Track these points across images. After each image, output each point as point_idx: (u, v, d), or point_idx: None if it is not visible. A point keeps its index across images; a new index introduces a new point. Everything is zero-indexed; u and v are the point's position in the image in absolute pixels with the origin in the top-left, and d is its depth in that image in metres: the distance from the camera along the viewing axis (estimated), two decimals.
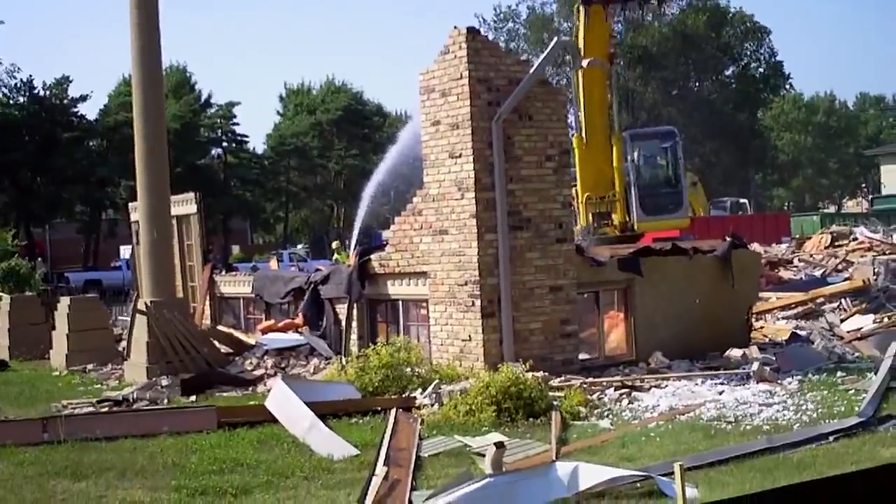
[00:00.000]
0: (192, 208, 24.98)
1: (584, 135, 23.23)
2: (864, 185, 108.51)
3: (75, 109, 68.10)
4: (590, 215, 23.01)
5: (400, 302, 19.66)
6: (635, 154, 23.53)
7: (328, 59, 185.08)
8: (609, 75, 23.74)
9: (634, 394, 15.94)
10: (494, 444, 10.74)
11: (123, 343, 23.11)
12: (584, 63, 22.17)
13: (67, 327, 23.51)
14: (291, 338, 21.64)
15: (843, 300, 23.26)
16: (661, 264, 19.58)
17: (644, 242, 23.07)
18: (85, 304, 24.73)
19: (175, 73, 79.31)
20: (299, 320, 21.82)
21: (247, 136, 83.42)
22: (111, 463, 12.65)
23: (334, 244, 46.65)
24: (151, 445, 13.61)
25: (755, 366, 16.84)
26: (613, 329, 19.51)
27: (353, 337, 20.48)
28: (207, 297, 25.17)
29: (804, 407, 14.22)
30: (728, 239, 20.51)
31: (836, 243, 31.41)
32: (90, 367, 22.60)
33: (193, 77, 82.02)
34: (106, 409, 17.03)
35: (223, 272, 25.94)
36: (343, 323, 20.81)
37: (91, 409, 17.06)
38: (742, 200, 63.86)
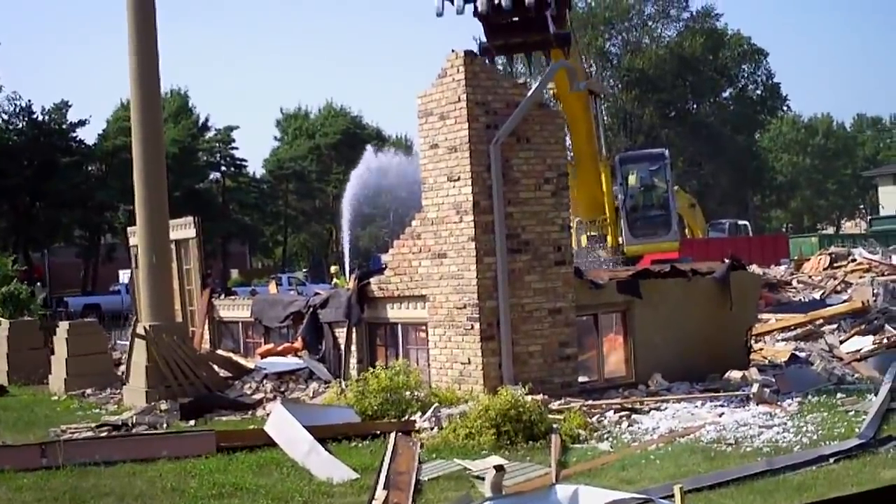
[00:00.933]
0: (190, 232, 25.00)
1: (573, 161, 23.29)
2: (862, 206, 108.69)
3: (74, 134, 68.23)
4: (583, 238, 23.08)
5: (399, 325, 19.65)
6: (625, 178, 23.51)
7: (326, 83, 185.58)
8: (590, 105, 23.64)
9: (634, 416, 15.92)
10: (494, 467, 10.71)
11: (122, 367, 23.08)
12: (570, 89, 22.09)
13: (66, 352, 23.48)
14: (290, 362, 21.61)
15: (842, 321, 23.29)
16: (660, 286, 19.57)
17: (643, 265, 23.08)
18: (84, 329, 24.69)
19: (176, 97, 79.48)
20: (298, 344, 21.79)
21: (245, 161, 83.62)
22: (110, 488, 12.62)
23: (333, 268, 46.73)
24: (150, 470, 13.57)
25: (755, 388, 16.82)
26: (612, 351, 19.50)
27: (353, 361, 20.46)
28: (206, 322, 25.17)
29: (804, 429, 14.21)
30: (727, 261, 20.51)
31: (835, 265, 31.47)
32: (89, 391, 22.57)
33: (191, 101, 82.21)
34: (105, 433, 16.97)
35: (222, 296, 25.94)
36: (342, 347, 20.80)
37: (90, 433, 17.00)
38: (742, 222, 63.87)
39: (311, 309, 21.72)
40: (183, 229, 24.96)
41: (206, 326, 25.17)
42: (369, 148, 58.58)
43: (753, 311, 21.70)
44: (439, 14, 19.75)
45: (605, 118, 66.12)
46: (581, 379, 18.25)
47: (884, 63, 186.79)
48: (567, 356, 17.93)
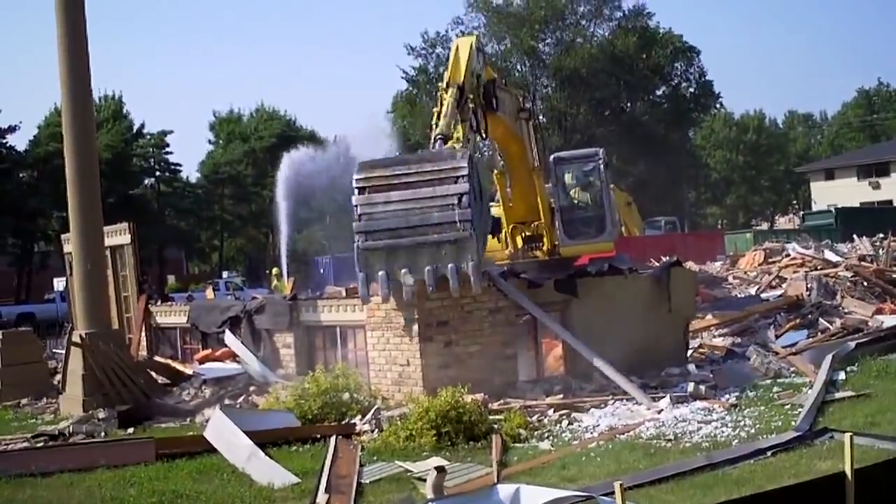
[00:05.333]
0: (125, 239, 24.75)
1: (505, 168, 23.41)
2: (795, 202, 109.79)
3: (4, 140, 67.21)
4: (518, 239, 23.11)
5: (338, 328, 19.60)
6: (558, 178, 23.54)
7: (258, 86, 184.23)
8: (521, 130, 23.70)
9: (574, 414, 15.98)
10: (435, 468, 10.71)
11: (58, 376, 22.80)
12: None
13: (0, 362, 23.16)
14: (229, 367, 21.51)
15: (777, 316, 23.52)
16: (598, 285, 19.68)
17: (580, 264, 23.16)
18: (18, 338, 24.40)
19: (110, 103, 78.70)
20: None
21: (180, 165, 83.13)
22: (47, 499, 12.49)
23: (274, 271, 46.45)
24: (89, 480, 13.44)
25: (691, 385, 16.96)
26: (552, 350, 19.58)
27: (292, 365, 20.38)
28: (143, 328, 24.95)
29: (742, 423, 14.35)
30: (665, 259, 20.69)
31: (770, 260, 31.75)
32: (24, 401, 22.31)
33: (126, 107, 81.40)
34: (41, 443, 16.78)
35: (158, 302, 25.74)
36: (280, 351, 20.73)
37: (26, 444, 16.80)
38: (671, 219, 64.31)
39: (248, 314, 21.64)
40: (118, 235, 24.72)
41: (143, 333, 24.95)
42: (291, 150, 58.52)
43: (691, 306, 21.86)
44: None
45: (541, 117, 66.48)
46: (521, 378, 18.29)
47: (814, 60, 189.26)
48: (507, 356, 18.00)
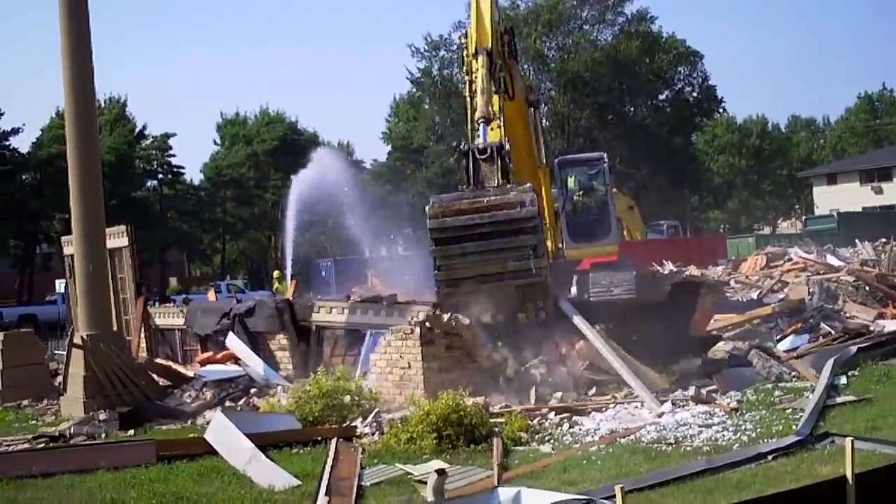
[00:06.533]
0: (123, 241, 24.68)
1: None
2: (797, 207, 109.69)
3: (7, 143, 67.32)
4: None
5: (336, 330, 19.62)
6: (563, 181, 23.55)
7: (263, 89, 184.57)
8: (529, 117, 23.71)
9: (575, 418, 15.97)
10: (436, 471, 10.71)
11: (60, 378, 22.79)
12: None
13: (1, 363, 23.17)
14: (230, 369, 21.52)
15: (779, 320, 23.48)
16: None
17: (582, 268, 23.15)
18: (19, 339, 24.39)
19: (114, 105, 78.84)
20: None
21: (183, 168, 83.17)
22: (48, 500, 12.47)
23: (275, 273, 46.43)
24: (89, 481, 13.42)
25: (692, 389, 16.95)
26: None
27: (289, 367, 20.41)
28: (142, 330, 24.93)
29: (743, 427, 14.33)
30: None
31: (772, 264, 31.73)
32: (25, 402, 22.29)
33: (129, 109, 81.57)
34: (42, 445, 16.78)
35: (157, 304, 25.76)
36: (276, 354, 20.77)
37: (27, 445, 16.80)
38: (673, 223, 64.31)
39: (236, 317, 21.72)
40: (116, 238, 24.68)
41: (143, 335, 24.93)
42: (319, 151, 58.40)
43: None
44: None
45: (545, 121, 66.46)
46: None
47: (817, 65, 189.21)
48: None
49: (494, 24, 19.93)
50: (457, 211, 17.71)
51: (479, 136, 18.63)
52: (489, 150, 18.23)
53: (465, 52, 20.62)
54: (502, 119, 19.27)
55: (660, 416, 15.55)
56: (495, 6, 20.48)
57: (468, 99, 19.83)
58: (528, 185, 18.15)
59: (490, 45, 19.43)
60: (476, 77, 19.28)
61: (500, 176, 18.07)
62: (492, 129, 18.80)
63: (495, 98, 19.28)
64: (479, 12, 20.00)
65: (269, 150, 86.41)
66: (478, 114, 18.83)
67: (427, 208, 17.67)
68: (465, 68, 20.53)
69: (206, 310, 23.90)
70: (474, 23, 20.00)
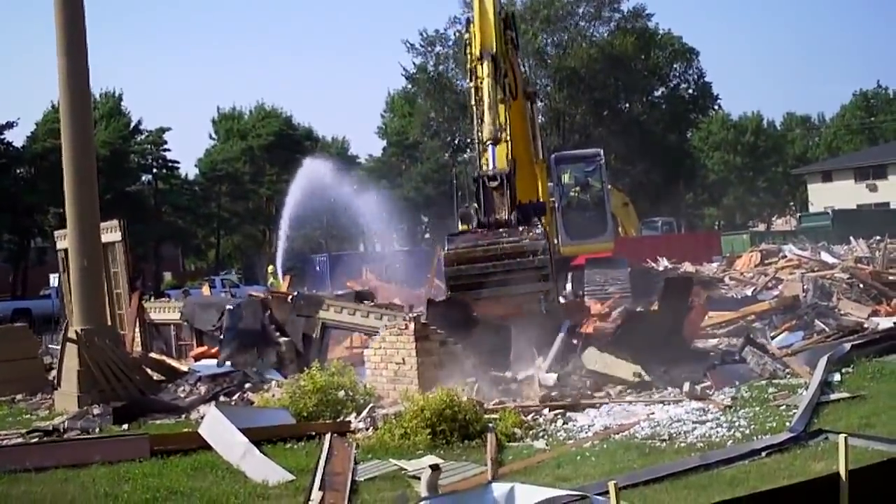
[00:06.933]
0: (116, 236, 24.63)
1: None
2: (792, 204, 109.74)
3: (1, 136, 67.17)
4: None
5: (331, 326, 19.62)
6: (559, 178, 23.59)
7: (258, 84, 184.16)
8: (527, 110, 23.69)
9: (569, 414, 15.97)
10: (430, 466, 10.69)
11: (54, 372, 22.77)
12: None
13: None
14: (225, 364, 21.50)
15: (773, 317, 23.52)
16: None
17: (576, 263, 23.19)
18: (13, 333, 24.37)
19: (109, 99, 78.73)
20: None
21: (178, 162, 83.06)
22: (41, 494, 12.45)
23: (270, 268, 46.44)
24: (83, 475, 13.41)
25: (687, 385, 16.95)
26: None
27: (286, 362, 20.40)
28: (137, 324, 24.91)
29: (737, 423, 14.33)
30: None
31: (766, 261, 31.81)
32: (19, 397, 22.27)
33: (124, 103, 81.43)
34: (36, 439, 16.77)
35: (151, 298, 25.72)
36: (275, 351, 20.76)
37: (21, 440, 16.79)
38: (668, 219, 64.41)
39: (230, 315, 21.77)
40: (109, 233, 24.62)
41: (137, 329, 24.91)
42: (317, 157, 58.60)
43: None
44: None
45: (541, 117, 66.45)
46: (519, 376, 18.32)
47: (813, 62, 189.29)
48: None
49: (497, 20, 19.89)
50: (472, 258, 18.02)
51: (488, 160, 18.75)
52: (499, 179, 18.36)
53: (467, 51, 20.54)
54: (508, 130, 19.33)
55: (652, 412, 15.54)
56: (497, 1, 20.43)
57: (473, 108, 19.79)
58: (540, 230, 18.34)
59: (495, 48, 19.39)
60: (482, 84, 19.26)
61: (509, 206, 18.31)
62: (500, 149, 18.95)
63: (501, 108, 19.31)
64: (483, 10, 19.96)
65: (264, 145, 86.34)
66: (485, 135, 18.87)
67: (441, 252, 18.07)
68: (468, 67, 20.49)
69: (204, 304, 23.86)
70: (478, 22, 19.94)
